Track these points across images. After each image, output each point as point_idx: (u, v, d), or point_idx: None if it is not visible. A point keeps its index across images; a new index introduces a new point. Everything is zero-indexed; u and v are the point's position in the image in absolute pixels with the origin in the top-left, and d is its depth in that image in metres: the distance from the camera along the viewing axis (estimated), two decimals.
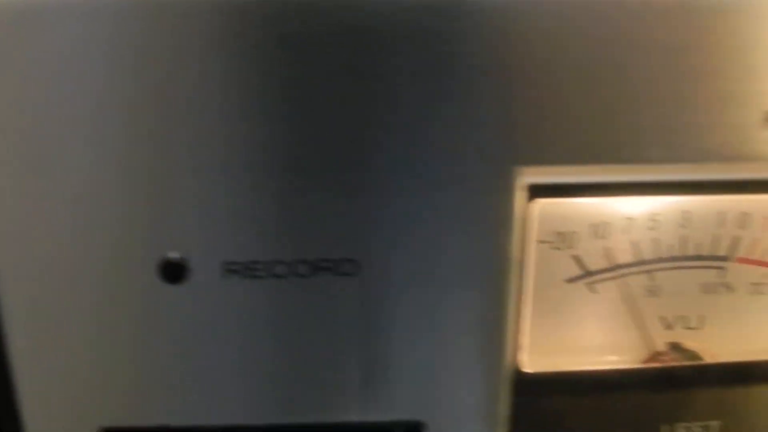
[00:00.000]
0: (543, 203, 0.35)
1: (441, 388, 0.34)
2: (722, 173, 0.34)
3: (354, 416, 0.34)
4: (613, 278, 0.37)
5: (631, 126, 0.31)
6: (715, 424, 0.38)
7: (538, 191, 0.33)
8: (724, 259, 0.38)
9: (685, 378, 0.37)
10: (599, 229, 0.36)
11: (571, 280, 0.37)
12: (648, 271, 0.38)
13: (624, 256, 0.37)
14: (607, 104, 0.31)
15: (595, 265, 0.37)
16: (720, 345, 0.39)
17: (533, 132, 0.31)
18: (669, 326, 0.39)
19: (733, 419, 0.38)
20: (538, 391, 0.36)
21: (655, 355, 0.39)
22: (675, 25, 0.31)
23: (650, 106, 0.31)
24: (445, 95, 0.30)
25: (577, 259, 0.37)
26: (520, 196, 0.32)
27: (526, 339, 0.36)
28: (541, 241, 0.36)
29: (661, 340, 0.39)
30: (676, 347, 0.39)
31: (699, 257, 0.38)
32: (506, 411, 0.35)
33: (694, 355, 0.39)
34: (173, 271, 0.31)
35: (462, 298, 0.32)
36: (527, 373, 0.36)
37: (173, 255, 0.31)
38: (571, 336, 0.38)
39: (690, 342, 0.39)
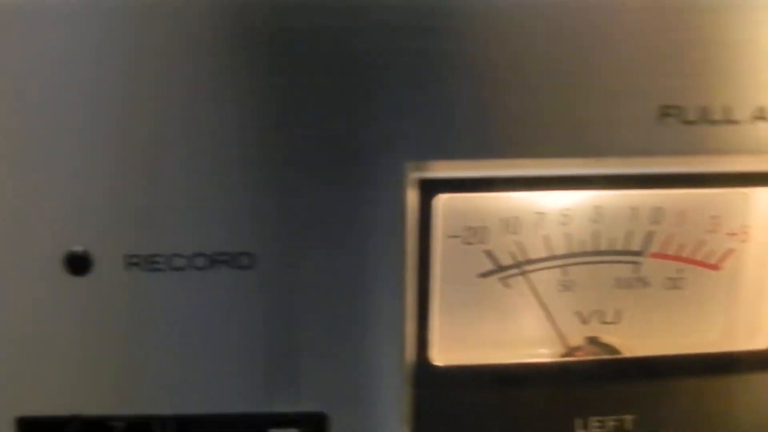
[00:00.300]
0: (448, 198, 0.35)
1: (343, 380, 0.34)
2: (633, 168, 0.34)
3: (258, 408, 0.34)
4: (525, 273, 0.37)
5: (527, 120, 0.31)
6: (629, 418, 0.38)
7: (435, 186, 0.33)
8: (638, 254, 0.38)
9: (599, 372, 0.38)
10: (510, 224, 0.37)
11: (484, 275, 0.37)
12: (561, 266, 0.38)
13: (536, 251, 0.37)
14: (504, 99, 0.31)
15: (507, 260, 0.37)
16: (637, 339, 0.39)
17: (429, 127, 0.31)
18: (585, 321, 0.39)
19: (648, 413, 0.38)
20: (448, 385, 0.36)
21: (573, 350, 0.39)
22: (571, 21, 0.31)
23: (547, 101, 0.31)
24: (340, 91, 0.31)
25: (489, 254, 0.37)
26: (418, 191, 0.32)
27: (436, 333, 0.36)
28: (452, 236, 0.36)
29: (578, 334, 0.39)
30: (593, 341, 0.39)
31: (613, 252, 0.38)
32: (412, 404, 0.35)
33: (611, 350, 0.39)
34: (77, 264, 0.31)
35: (359, 292, 0.33)
36: (437, 367, 0.36)
37: (77, 248, 0.31)
38: (487, 330, 0.38)
39: (607, 336, 0.39)
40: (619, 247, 0.38)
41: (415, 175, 0.32)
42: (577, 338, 0.39)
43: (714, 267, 0.39)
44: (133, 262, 0.32)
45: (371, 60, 0.30)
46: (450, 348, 0.38)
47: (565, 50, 0.31)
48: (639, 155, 0.32)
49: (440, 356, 0.37)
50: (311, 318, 0.33)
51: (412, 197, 0.33)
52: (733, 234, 0.38)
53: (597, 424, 0.37)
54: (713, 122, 0.32)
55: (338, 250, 0.32)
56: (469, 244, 0.37)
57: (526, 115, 0.31)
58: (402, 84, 0.31)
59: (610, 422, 0.38)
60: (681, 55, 0.31)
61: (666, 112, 0.32)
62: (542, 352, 0.38)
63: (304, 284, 0.32)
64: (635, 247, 0.38)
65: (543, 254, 0.37)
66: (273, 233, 0.32)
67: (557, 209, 0.37)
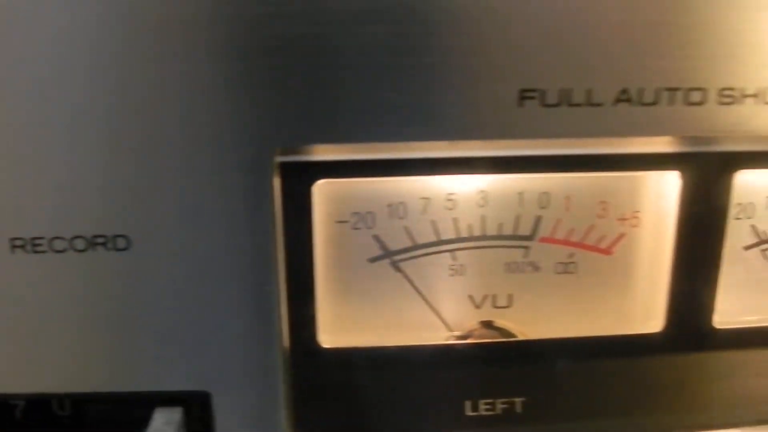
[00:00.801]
0: (333, 183, 0.36)
1: (226, 360, 0.35)
2: (493, 151, 0.34)
3: (144, 386, 0.35)
4: (415, 257, 0.38)
5: (389, 104, 0.32)
6: (518, 401, 0.38)
7: (310, 171, 0.34)
8: (527, 238, 0.38)
9: (489, 355, 0.38)
10: (397, 209, 0.37)
11: (374, 259, 0.38)
12: (450, 251, 0.38)
13: (424, 236, 0.38)
14: (368, 83, 0.32)
15: (396, 245, 0.38)
16: (531, 324, 0.39)
17: (299, 112, 0.32)
18: (478, 305, 0.39)
19: (537, 396, 0.38)
20: (337, 367, 0.37)
21: (467, 333, 0.39)
22: (431, 5, 0.31)
23: (408, 84, 0.32)
24: (207, 78, 0.31)
25: (378, 239, 0.37)
26: (289, 176, 0.33)
27: (327, 316, 0.37)
28: (339, 221, 0.37)
29: (472, 318, 0.39)
30: (487, 325, 0.39)
31: (501, 237, 0.38)
32: (298, 385, 0.36)
33: (506, 333, 0.39)
34: None
35: (232, 274, 0.33)
36: (326, 349, 0.37)
37: None
38: (379, 314, 0.38)
39: (501, 320, 0.39)
40: (507, 231, 0.38)
41: (283, 159, 0.33)
42: (471, 322, 0.39)
43: (606, 252, 0.39)
44: (18, 244, 0.33)
45: (239, 46, 0.31)
46: (342, 331, 0.38)
47: (425, 33, 0.31)
48: (499, 138, 0.32)
49: (331, 339, 0.37)
50: (191, 299, 0.33)
51: (285, 182, 0.33)
52: (624, 219, 0.39)
53: (486, 406, 0.38)
54: (575, 105, 0.32)
55: (212, 234, 0.33)
56: (358, 229, 0.37)
57: (390, 99, 0.32)
58: (271, 69, 0.31)
59: (500, 405, 0.38)
60: (541, 39, 0.31)
61: (526, 95, 0.32)
62: (435, 336, 0.39)
63: (180, 266, 0.33)
64: (524, 232, 0.38)
65: (432, 239, 0.38)
66: (147, 217, 0.33)
67: (443, 194, 0.37)
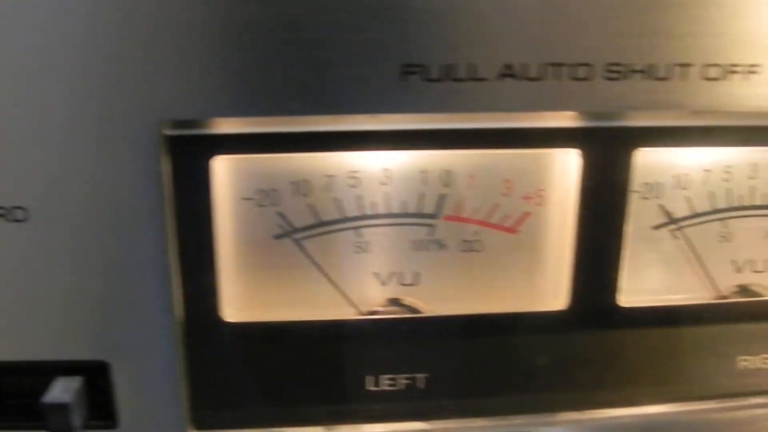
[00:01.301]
0: (237, 160, 0.36)
1: (123, 330, 0.35)
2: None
3: (44, 356, 0.35)
4: (319, 235, 0.38)
5: (270, 80, 0.32)
6: (421, 377, 0.38)
7: (207, 147, 0.34)
8: (432, 216, 0.38)
9: (391, 331, 0.38)
10: (300, 186, 0.37)
11: (278, 236, 0.38)
12: (355, 228, 0.38)
13: (329, 214, 0.38)
14: (251, 58, 0.32)
15: (300, 222, 0.38)
16: (436, 300, 0.39)
17: (180, 86, 0.32)
18: (384, 283, 0.39)
19: (440, 372, 0.38)
20: (240, 340, 0.37)
21: (374, 310, 0.39)
22: None
23: (291, 58, 0.32)
24: (91, 49, 0.31)
25: (282, 216, 0.38)
26: (181, 151, 0.33)
27: (232, 291, 0.37)
28: (245, 198, 0.37)
29: (379, 295, 0.39)
30: (394, 302, 0.39)
31: (406, 215, 0.38)
32: (199, 358, 0.36)
33: (413, 311, 0.39)
34: None
35: (129, 247, 0.34)
36: (229, 323, 0.37)
37: None
38: (284, 290, 0.39)
39: (408, 298, 0.39)
40: (412, 209, 0.38)
41: (172, 132, 0.33)
42: (378, 300, 0.39)
43: (511, 230, 0.39)
44: None
45: (128, 18, 0.31)
46: (248, 306, 0.38)
47: (311, 9, 0.31)
48: (384, 112, 0.32)
49: (236, 313, 0.37)
50: (89, 270, 0.34)
51: (178, 157, 0.34)
52: (529, 197, 0.39)
53: (388, 382, 0.38)
54: (458, 80, 0.32)
55: (106, 206, 0.33)
56: (262, 206, 0.38)
57: (275, 73, 0.32)
58: (155, 44, 0.31)
59: (402, 380, 0.38)
60: (423, 14, 0.31)
61: (408, 70, 0.32)
62: (340, 312, 0.39)
63: (77, 238, 0.33)
64: (429, 210, 0.38)
65: (336, 216, 0.38)
66: (45, 189, 0.33)
67: (346, 172, 0.37)
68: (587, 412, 0.38)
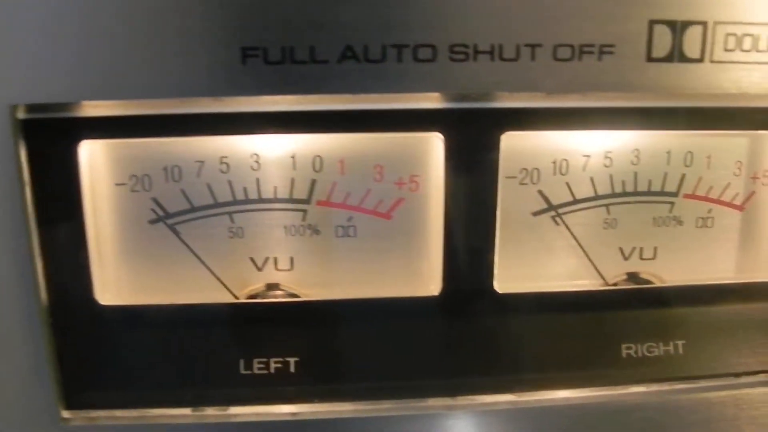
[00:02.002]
0: (108, 144, 0.36)
1: None
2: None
3: None
4: (193, 220, 0.38)
5: (121, 64, 0.32)
6: (292, 360, 0.38)
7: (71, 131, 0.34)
8: (304, 202, 0.38)
9: (264, 315, 0.38)
10: (172, 172, 0.37)
11: (153, 221, 0.38)
12: (228, 213, 0.38)
13: (202, 199, 0.38)
14: (101, 43, 0.32)
15: (174, 208, 0.38)
16: (312, 285, 0.39)
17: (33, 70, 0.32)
18: (260, 268, 0.39)
19: (312, 356, 0.38)
20: (115, 323, 0.37)
21: (251, 295, 0.39)
22: None
23: (138, 42, 0.32)
24: None
25: (156, 201, 0.38)
26: (44, 135, 0.34)
27: (104, 274, 0.38)
28: (119, 184, 0.38)
29: (255, 280, 0.39)
30: (272, 287, 0.40)
31: (278, 200, 0.38)
32: (65, 340, 0.36)
33: (290, 295, 0.39)
34: None
35: None
36: (103, 306, 0.37)
37: None
38: (161, 274, 0.39)
39: (285, 282, 0.39)
40: (283, 195, 0.38)
41: (25, 116, 0.33)
42: (255, 284, 0.39)
43: (385, 216, 0.39)
44: None
45: None
46: (124, 290, 0.39)
47: None
48: (226, 95, 0.32)
49: (111, 297, 0.38)
50: None
51: (38, 141, 0.34)
52: (402, 183, 0.38)
53: (260, 365, 0.38)
54: (299, 62, 0.32)
55: None
56: (136, 191, 0.38)
57: (119, 56, 0.32)
58: (11, 28, 0.32)
59: (274, 364, 0.38)
60: None
61: (248, 53, 0.32)
62: (217, 296, 0.39)
63: None
64: (301, 196, 0.38)
65: (209, 202, 0.38)
66: None
67: (216, 157, 0.37)
68: (460, 398, 0.37)
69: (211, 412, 0.36)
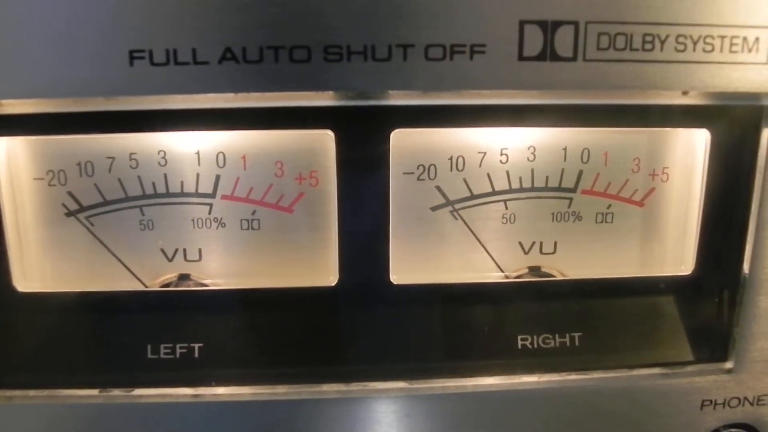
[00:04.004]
0: (24, 141, 0.38)
1: None
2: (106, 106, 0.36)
3: None
4: (105, 213, 0.40)
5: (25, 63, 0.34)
6: (196, 346, 0.40)
7: None
8: (209, 196, 0.40)
9: (170, 302, 0.40)
10: (85, 167, 0.39)
11: (69, 214, 0.40)
12: (139, 207, 0.40)
13: (113, 193, 0.40)
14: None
15: (88, 201, 0.40)
16: (220, 275, 0.41)
17: None
18: (170, 259, 0.41)
19: (214, 342, 0.40)
20: (31, 310, 0.40)
21: (164, 284, 0.41)
22: None
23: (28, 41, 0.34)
24: None
25: (71, 195, 0.40)
26: None
27: (29, 263, 0.40)
28: (36, 178, 0.40)
29: (166, 270, 0.41)
30: (184, 277, 0.41)
31: (183, 194, 0.40)
32: None
33: (199, 285, 0.41)
34: None
35: None
36: (21, 293, 0.39)
37: None
38: (78, 263, 0.41)
39: (195, 273, 0.41)
40: (189, 189, 0.40)
41: None
42: (166, 275, 0.41)
43: (287, 210, 0.40)
44: None
45: None
46: (44, 278, 0.41)
47: None
48: (114, 96, 0.34)
49: (31, 284, 0.40)
50: None
51: None
52: (302, 178, 0.40)
53: (166, 350, 0.39)
54: (182, 63, 0.34)
55: None
56: (53, 185, 0.40)
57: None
58: None
59: (179, 349, 0.40)
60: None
61: (135, 55, 0.34)
62: (129, 286, 0.41)
63: None
64: (206, 190, 0.40)
65: (120, 195, 0.40)
66: None
67: (126, 153, 0.39)
68: (354, 384, 0.39)
69: (117, 393, 0.38)
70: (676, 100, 0.37)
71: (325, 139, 0.38)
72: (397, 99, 0.35)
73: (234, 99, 0.35)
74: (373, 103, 0.36)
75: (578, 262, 0.41)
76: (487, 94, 0.35)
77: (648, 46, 0.35)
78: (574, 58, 0.34)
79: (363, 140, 0.37)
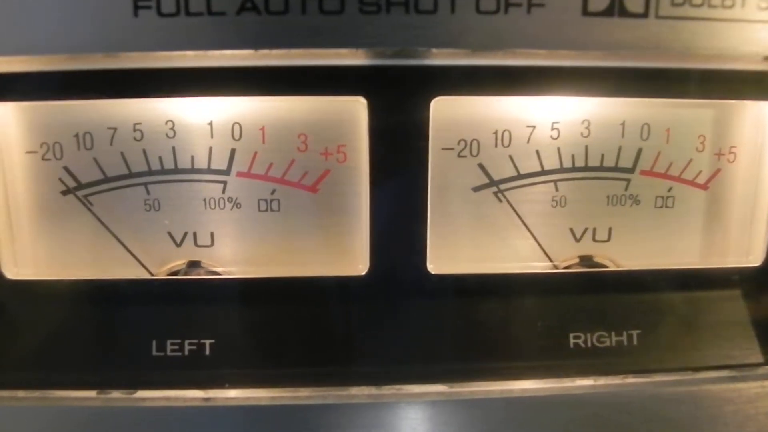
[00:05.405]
0: (16, 109, 0.33)
1: None
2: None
3: None
4: (107, 191, 0.35)
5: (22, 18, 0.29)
6: (207, 342, 0.35)
7: None
8: (223, 173, 0.35)
9: (179, 294, 0.35)
10: (83, 139, 0.34)
11: (65, 192, 0.35)
12: (144, 184, 0.36)
13: (114, 168, 0.35)
14: None
15: (86, 178, 0.35)
16: (234, 262, 0.36)
17: None
18: (179, 243, 0.36)
19: (228, 339, 0.35)
20: (22, 298, 0.35)
21: (172, 272, 0.36)
22: None
23: None
24: None
25: (68, 171, 0.35)
26: None
27: (19, 247, 0.35)
28: (29, 152, 0.35)
29: (175, 257, 0.36)
30: (194, 264, 0.36)
31: (194, 170, 0.35)
32: None
33: (211, 273, 0.36)
34: None
35: None
36: (11, 280, 0.34)
37: None
38: (77, 249, 0.36)
39: (207, 260, 0.36)
40: (201, 165, 0.35)
41: None
42: (175, 261, 0.36)
43: (311, 189, 0.35)
44: None
45: None
46: (40, 264, 0.36)
47: None
48: (119, 51, 0.29)
49: (23, 271, 0.35)
50: None
51: None
52: (328, 153, 0.34)
53: (173, 347, 0.34)
54: (193, 14, 0.28)
55: None
56: (47, 160, 0.35)
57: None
58: None
59: (188, 346, 0.34)
60: None
61: (140, 4, 0.28)
62: (132, 273, 0.35)
63: None
64: (219, 166, 0.35)
65: (123, 171, 0.35)
66: None
67: (129, 124, 0.34)
68: (385, 387, 0.33)
69: (118, 395, 0.33)
70: (755, 65, 0.31)
71: (356, 107, 0.32)
72: (442, 59, 0.30)
73: (253, 57, 0.29)
74: (414, 62, 0.30)
75: (635, 251, 0.36)
76: (544, 54, 0.29)
77: (728, 2, 0.29)
78: (645, 15, 0.29)
79: (400, 109, 0.32)
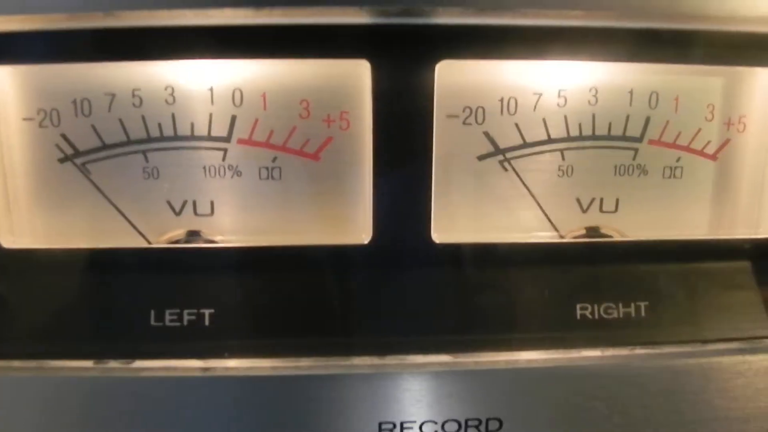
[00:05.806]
0: (13, 73, 0.32)
1: None
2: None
3: None
4: (104, 158, 0.34)
5: None
6: (207, 312, 0.34)
7: None
8: (223, 140, 0.34)
9: (178, 262, 0.34)
10: (81, 105, 0.33)
11: (62, 160, 0.34)
12: (142, 152, 0.34)
13: (113, 135, 0.34)
14: None
15: (84, 145, 0.34)
16: (233, 231, 0.35)
17: None
18: (178, 213, 0.35)
19: (228, 308, 0.34)
20: (19, 267, 0.34)
21: (172, 241, 0.35)
22: None
23: None
24: None
25: (65, 138, 0.34)
26: None
27: (16, 216, 0.34)
28: (26, 119, 0.34)
29: (174, 226, 0.35)
30: (193, 234, 0.35)
31: (194, 138, 0.34)
32: None
33: (211, 242, 0.35)
34: None
35: None
36: (8, 249, 0.33)
37: None
38: (75, 218, 0.35)
39: (206, 229, 0.35)
40: (201, 132, 0.34)
41: None
42: (175, 231, 0.35)
43: (313, 157, 0.34)
44: None
45: None
46: (37, 233, 0.35)
47: None
48: (113, 11, 0.28)
49: (20, 240, 0.34)
50: None
51: None
52: (331, 120, 0.33)
53: (173, 317, 0.33)
54: None
55: None
56: (44, 127, 0.34)
57: None
58: None
59: (187, 316, 0.33)
60: None
61: None
62: (131, 242, 0.34)
63: None
64: (219, 133, 0.34)
65: (122, 139, 0.34)
66: None
67: (128, 90, 0.33)
68: (388, 357, 0.32)
69: (115, 365, 0.32)
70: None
71: (359, 72, 0.31)
72: (447, 17, 0.29)
73: (255, 15, 0.28)
74: (419, 21, 0.29)
75: (642, 222, 0.35)
76: (552, 14, 0.29)
77: None
78: None
79: (404, 73, 0.31)
